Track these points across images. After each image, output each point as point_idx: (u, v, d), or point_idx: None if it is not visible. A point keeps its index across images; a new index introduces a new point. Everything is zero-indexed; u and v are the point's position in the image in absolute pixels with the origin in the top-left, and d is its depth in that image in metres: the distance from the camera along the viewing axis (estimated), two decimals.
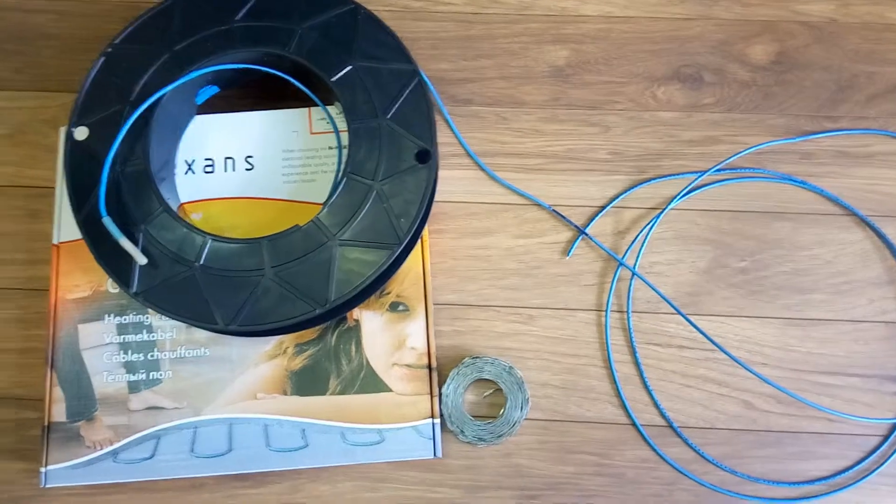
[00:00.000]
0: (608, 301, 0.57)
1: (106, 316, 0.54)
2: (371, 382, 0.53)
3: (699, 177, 0.58)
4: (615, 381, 0.55)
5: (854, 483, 0.53)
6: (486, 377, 0.54)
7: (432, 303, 0.56)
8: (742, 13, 0.63)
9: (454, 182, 0.59)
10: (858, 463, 0.54)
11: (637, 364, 0.56)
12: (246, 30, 0.55)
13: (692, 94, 0.61)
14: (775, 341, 0.56)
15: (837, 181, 0.59)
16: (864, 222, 0.58)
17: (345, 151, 0.55)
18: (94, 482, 0.52)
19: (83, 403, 0.53)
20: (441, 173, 0.60)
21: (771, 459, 0.54)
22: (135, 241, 0.50)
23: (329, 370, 0.53)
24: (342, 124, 0.56)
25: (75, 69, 0.62)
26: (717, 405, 0.55)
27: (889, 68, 0.62)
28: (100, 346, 0.54)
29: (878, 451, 0.54)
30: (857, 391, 0.55)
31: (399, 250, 0.50)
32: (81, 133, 0.53)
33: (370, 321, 0.54)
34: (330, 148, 0.56)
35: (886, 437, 0.54)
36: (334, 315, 0.53)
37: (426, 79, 0.61)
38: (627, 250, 0.58)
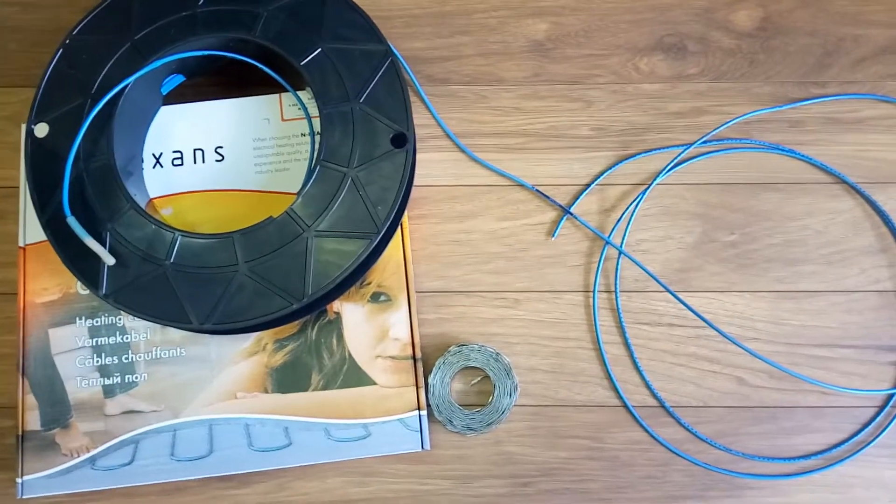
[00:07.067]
0: (595, 281, 0.55)
1: (77, 319, 0.52)
2: (354, 376, 0.52)
3: (685, 150, 0.56)
4: (605, 363, 0.54)
5: (851, 455, 0.53)
6: (473, 365, 0.53)
7: (415, 291, 0.54)
8: None
9: (433, 165, 0.58)
10: (854, 435, 0.53)
11: (627, 344, 0.54)
12: (210, 15, 0.53)
13: (676, 65, 0.59)
14: (767, 315, 0.55)
15: (826, 148, 0.58)
16: (855, 190, 0.57)
17: (318, 138, 0.53)
18: (73, 490, 0.50)
19: (57, 410, 0.51)
20: (419, 156, 0.58)
21: (765, 436, 0.53)
22: (102, 241, 0.48)
23: (311, 365, 0.52)
24: (314, 110, 0.54)
25: (41, 63, 0.59)
26: (710, 383, 0.54)
27: (876, 30, 0.60)
28: (72, 351, 0.52)
29: (874, 423, 0.53)
30: (852, 363, 0.54)
31: (378, 239, 0.49)
32: (41, 130, 0.51)
33: (351, 313, 0.53)
34: (302, 135, 0.54)
35: (882, 408, 0.53)
36: (313, 309, 0.51)
37: (400, 58, 0.59)
38: (614, 228, 0.56)
